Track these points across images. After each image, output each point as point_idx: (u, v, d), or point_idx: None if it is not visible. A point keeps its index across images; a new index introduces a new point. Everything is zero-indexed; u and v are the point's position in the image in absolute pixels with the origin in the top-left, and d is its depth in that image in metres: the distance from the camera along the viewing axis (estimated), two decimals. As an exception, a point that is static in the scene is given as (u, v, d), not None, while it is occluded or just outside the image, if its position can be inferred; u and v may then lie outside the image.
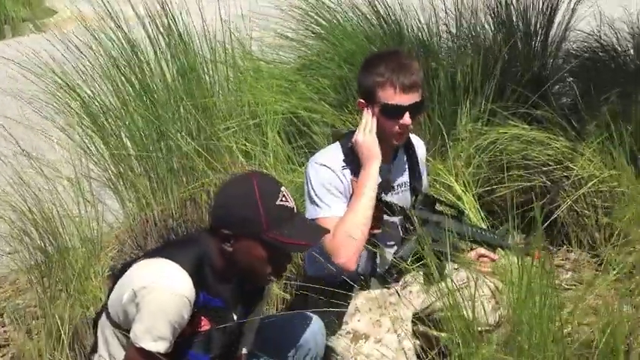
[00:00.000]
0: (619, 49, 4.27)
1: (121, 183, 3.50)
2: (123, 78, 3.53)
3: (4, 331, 3.17)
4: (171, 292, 1.96)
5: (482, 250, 2.57)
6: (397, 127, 2.42)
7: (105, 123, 3.49)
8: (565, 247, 3.31)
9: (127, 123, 3.50)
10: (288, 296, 2.88)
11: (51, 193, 3.14)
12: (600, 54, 4.30)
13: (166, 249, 2.16)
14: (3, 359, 3.03)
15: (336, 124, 3.36)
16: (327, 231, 2.18)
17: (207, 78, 3.60)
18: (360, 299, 2.45)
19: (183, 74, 3.53)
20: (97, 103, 3.53)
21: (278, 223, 2.02)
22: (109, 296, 2.10)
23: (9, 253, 3.12)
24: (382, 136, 2.44)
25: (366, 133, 2.41)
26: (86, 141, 3.50)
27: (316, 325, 2.34)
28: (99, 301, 2.84)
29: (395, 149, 2.53)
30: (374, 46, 3.80)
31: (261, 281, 2.17)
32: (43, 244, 3.01)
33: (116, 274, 2.11)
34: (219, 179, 3.20)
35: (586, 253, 3.23)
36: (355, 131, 2.48)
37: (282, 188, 2.07)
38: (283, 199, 2.05)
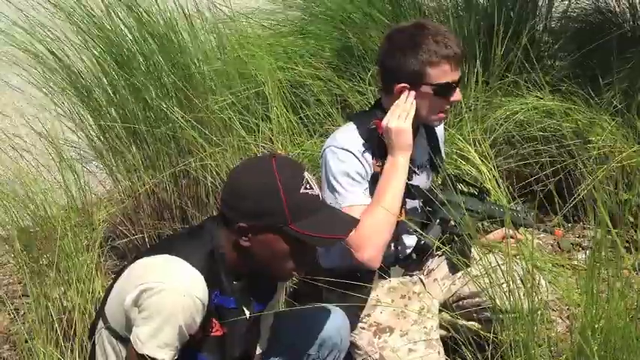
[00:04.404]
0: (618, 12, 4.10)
1: (110, 153, 3.25)
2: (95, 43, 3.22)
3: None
4: (182, 293, 1.74)
5: (507, 231, 2.40)
6: (447, 106, 2.24)
7: (85, 91, 3.20)
8: (581, 223, 3.17)
9: (109, 91, 3.22)
10: (295, 287, 2.68)
11: (29, 163, 2.90)
12: (599, 17, 4.13)
13: (171, 244, 1.91)
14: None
15: (344, 93, 3.14)
16: (358, 221, 1.95)
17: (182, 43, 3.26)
18: (382, 290, 2.27)
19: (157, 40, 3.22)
20: (75, 69, 3.24)
21: (302, 214, 1.79)
22: (105, 300, 1.88)
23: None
24: (424, 118, 2.25)
25: (401, 120, 2.19)
26: (69, 108, 3.23)
27: (340, 318, 2.15)
28: (92, 284, 2.63)
29: (416, 128, 2.33)
30: (373, 8, 3.56)
31: (280, 277, 1.97)
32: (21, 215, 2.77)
33: (115, 274, 1.90)
34: (217, 152, 2.98)
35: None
36: (369, 111, 2.31)
37: (305, 173, 1.83)
38: (307, 186, 1.81)
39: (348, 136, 2.26)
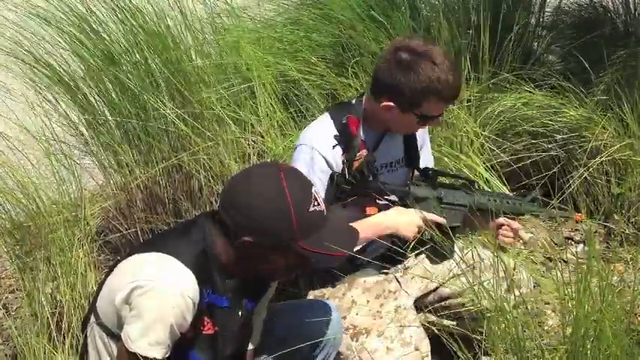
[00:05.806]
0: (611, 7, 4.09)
1: (101, 148, 3.24)
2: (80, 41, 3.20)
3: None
4: (173, 292, 1.75)
5: (501, 219, 2.32)
6: (422, 126, 2.28)
7: (74, 86, 3.18)
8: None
9: (97, 86, 3.20)
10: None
11: (20, 160, 2.90)
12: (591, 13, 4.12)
13: (164, 241, 1.91)
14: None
15: (337, 89, 3.13)
16: (358, 238, 1.92)
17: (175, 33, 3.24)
18: (356, 291, 2.27)
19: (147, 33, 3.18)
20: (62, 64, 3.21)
21: (309, 232, 1.79)
22: (98, 295, 1.89)
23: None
24: (396, 128, 2.27)
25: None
26: (58, 104, 3.22)
27: (333, 314, 2.15)
28: (85, 278, 2.64)
29: (387, 128, 2.30)
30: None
31: (274, 279, 1.99)
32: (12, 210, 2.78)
33: (108, 269, 1.91)
34: (210, 146, 2.98)
35: (596, 224, 3.09)
36: (348, 105, 2.28)
37: (313, 189, 1.83)
38: (315, 202, 1.81)
39: (319, 133, 2.23)
